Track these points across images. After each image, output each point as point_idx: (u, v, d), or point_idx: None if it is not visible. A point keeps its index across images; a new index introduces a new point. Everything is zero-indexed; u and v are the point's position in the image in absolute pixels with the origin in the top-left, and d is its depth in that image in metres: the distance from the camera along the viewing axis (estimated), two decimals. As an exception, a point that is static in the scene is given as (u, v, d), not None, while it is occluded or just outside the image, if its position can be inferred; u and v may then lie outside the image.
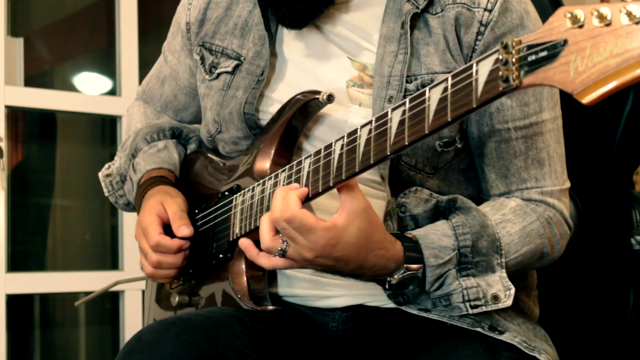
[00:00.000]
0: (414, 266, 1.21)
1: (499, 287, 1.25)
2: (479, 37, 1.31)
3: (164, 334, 1.17)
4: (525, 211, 1.32)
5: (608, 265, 1.68)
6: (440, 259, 1.22)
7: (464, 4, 1.32)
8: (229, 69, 1.46)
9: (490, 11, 1.30)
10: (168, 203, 1.43)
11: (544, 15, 1.42)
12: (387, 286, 1.23)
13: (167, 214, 1.42)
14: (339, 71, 1.37)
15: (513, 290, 1.25)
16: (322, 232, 1.13)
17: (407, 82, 1.31)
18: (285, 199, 1.15)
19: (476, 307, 1.24)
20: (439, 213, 1.32)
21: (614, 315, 1.67)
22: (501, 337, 1.27)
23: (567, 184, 1.38)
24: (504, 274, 1.27)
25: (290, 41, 1.43)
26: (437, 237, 1.24)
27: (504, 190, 1.36)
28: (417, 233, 1.25)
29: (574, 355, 1.44)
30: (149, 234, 1.40)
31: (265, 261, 1.21)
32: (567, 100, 1.39)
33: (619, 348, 1.67)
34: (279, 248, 1.17)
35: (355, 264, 1.17)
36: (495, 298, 1.24)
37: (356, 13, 1.39)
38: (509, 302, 1.24)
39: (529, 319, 1.37)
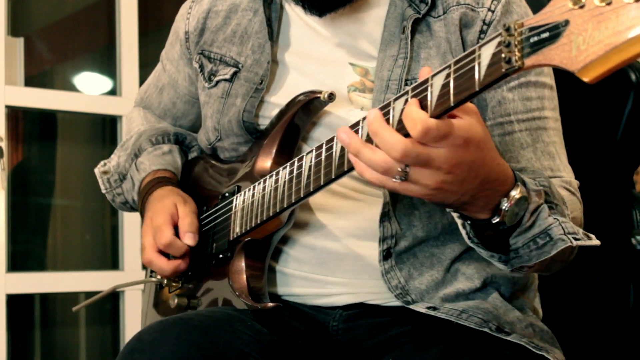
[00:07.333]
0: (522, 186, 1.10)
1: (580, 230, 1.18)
2: (482, 36, 1.32)
3: (164, 334, 1.17)
4: (572, 200, 1.28)
5: (608, 265, 1.68)
6: (535, 187, 1.13)
7: (468, 4, 1.33)
8: (227, 77, 1.46)
9: (493, 11, 1.32)
10: (181, 207, 1.44)
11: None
12: (501, 207, 1.09)
13: (178, 217, 1.43)
14: (340, 76, 1.36)
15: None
16: (458, 131, 0.99)
17: (406, 85, 1.30)
18: (407, 116, 0.99)
19: (577, 239, 1.14)
20: None
21: (614, 315, 1.67)
22: (508, 338, 1.25)
23: (577, 183, 1.36)
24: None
25: (291, 48, 1.43)
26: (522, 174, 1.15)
27: None
28: None
29: (574, 356, 1.44)
30: (162, 233, 1.40)
31: (370, 174, 1.04)
32: (567, 101, 1.39)
33: (619, 348, 1.66)
34: (399, 169, 1.02)
35: (485, 171, 1.05)
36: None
37: (359, 17, 1.38)
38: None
39: (535, 320, 1.36)
